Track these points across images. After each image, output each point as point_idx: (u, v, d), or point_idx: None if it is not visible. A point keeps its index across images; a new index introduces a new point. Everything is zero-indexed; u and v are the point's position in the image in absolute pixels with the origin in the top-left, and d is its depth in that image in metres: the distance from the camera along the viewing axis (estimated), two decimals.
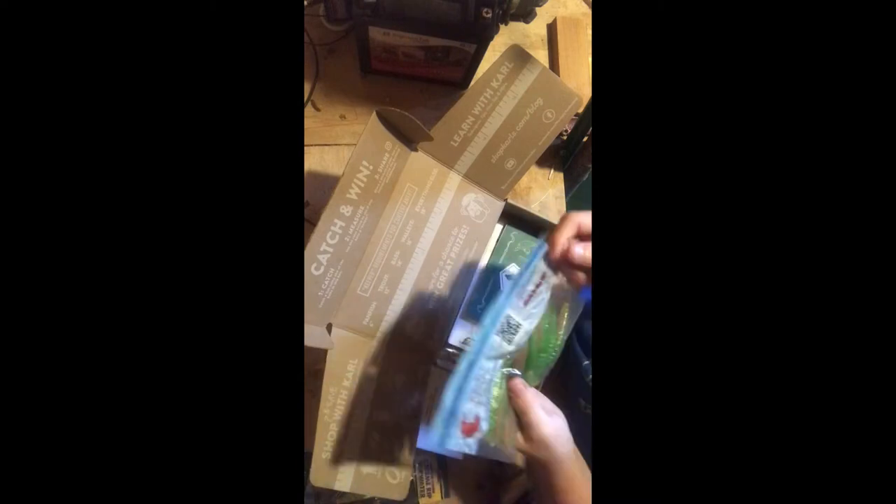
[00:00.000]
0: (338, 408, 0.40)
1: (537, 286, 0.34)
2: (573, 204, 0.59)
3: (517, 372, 0.39)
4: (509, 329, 0.35)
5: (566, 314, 0.40)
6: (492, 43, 0.49)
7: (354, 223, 0.42)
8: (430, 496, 0.51)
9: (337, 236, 0.41)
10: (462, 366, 0.32)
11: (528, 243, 0.53)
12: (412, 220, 0.47)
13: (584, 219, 0.31)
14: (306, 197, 0.54)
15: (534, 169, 0.59)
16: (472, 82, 0.54)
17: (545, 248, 0.32)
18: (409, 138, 0.45)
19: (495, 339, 0.35)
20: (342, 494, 0.48)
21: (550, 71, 0.46)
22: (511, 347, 0.36)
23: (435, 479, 0.51)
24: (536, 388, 0.41)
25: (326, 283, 0.42)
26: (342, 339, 0.44)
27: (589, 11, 0.65)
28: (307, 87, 0.57)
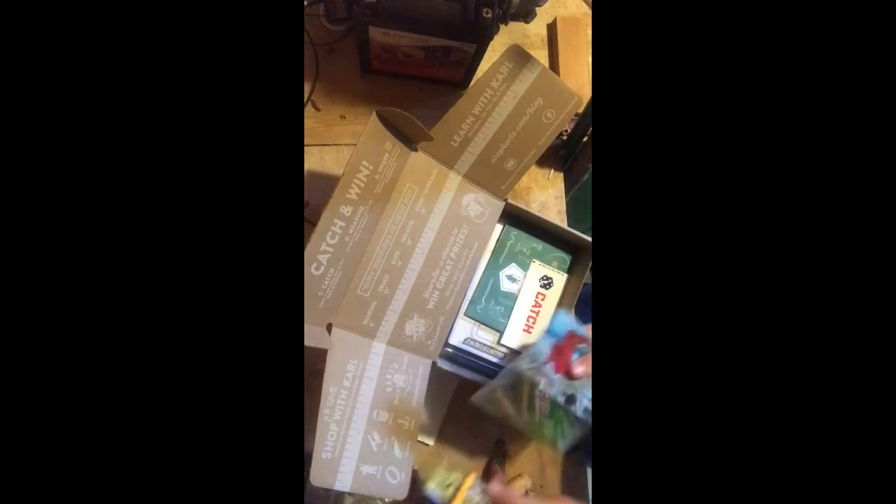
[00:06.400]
0: (338, 408, 0.40)
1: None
2: (573, 204, 0.59)
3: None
4: None
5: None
6: (492, 43, 0.49)
7: (354, 223, 0.42)
8: None
9: (337, 236, 0.41)
10: None
11: (528, 243, 0.53)
12: (412, 220, 0.47)
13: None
14: (306, 197, 0.54)
15: (534, 169, 0.59)
16: (472, 82, 0.54)
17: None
18: (409, 138, 0.45)
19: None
20: (342, 494, 0.48)
21: (550, 71, 0.46)
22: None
23: None
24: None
25: (326, 283, 0.42)
26: (342, 339, 0.44)
27: (589, 11, 0.65)
28: (307, 87, 0.57)
